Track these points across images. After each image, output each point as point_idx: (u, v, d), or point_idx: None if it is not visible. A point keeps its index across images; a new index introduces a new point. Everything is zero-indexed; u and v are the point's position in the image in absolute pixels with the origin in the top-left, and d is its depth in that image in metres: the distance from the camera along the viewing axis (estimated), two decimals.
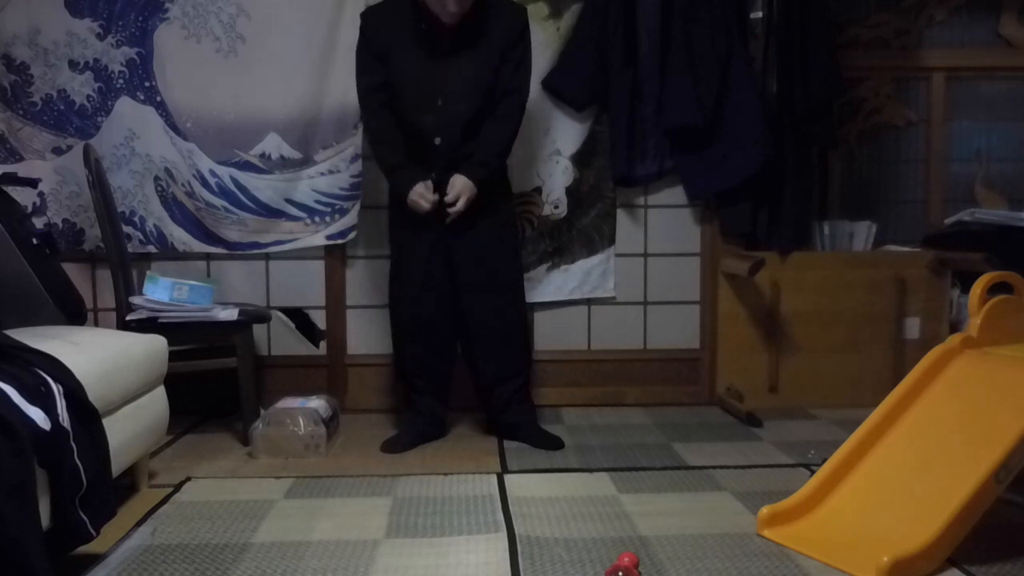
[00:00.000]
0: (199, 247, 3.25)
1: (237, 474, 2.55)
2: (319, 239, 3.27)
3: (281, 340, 3.36)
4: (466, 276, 2.75)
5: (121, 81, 3.16)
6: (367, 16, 2.77)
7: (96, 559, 1.87)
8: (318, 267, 3.35)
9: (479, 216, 2.72)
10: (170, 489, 2.37)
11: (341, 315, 3.37)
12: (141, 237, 3.20)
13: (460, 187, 2.64)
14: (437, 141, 2.67)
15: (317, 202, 3.25)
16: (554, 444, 2.79)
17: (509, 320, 2.83)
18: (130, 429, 2.13)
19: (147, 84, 3.16)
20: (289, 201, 3.24)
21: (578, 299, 3.41)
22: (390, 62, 2.68)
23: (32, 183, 2.91)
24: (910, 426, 2.07)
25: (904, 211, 3.72)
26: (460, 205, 2.64)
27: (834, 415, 3.17)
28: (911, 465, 1.98)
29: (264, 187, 3.21)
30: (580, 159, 3.35)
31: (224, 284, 3.21)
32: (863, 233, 3.48)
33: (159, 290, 2.80)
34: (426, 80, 2.65)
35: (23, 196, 3.00)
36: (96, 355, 2.02)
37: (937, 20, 3.65)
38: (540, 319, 3.41)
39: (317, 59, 3.17)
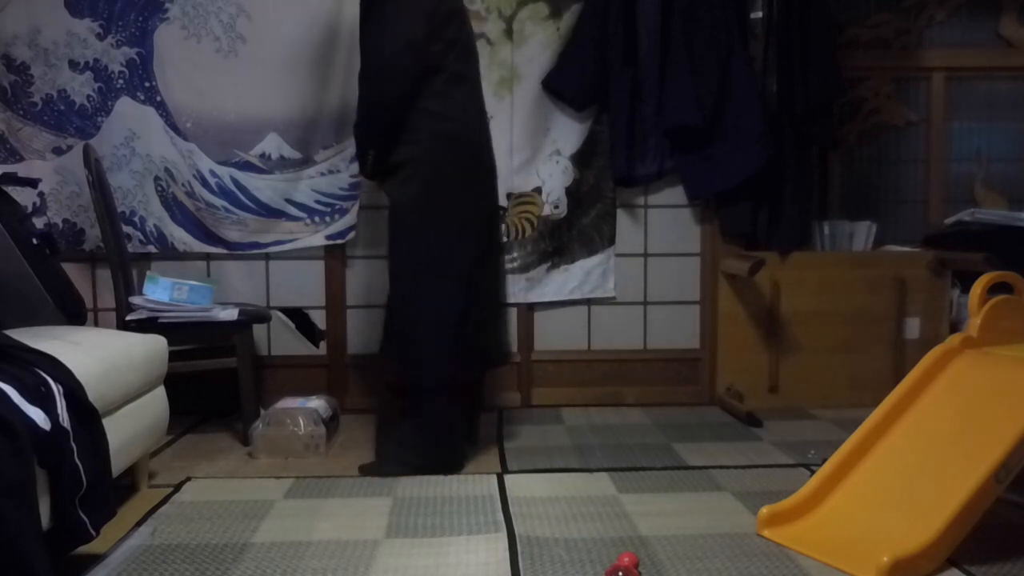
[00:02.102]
0: (199, 247, 3.25)
1: (237, 474, 2.55)
2: (319, 239, 3.27)
3: (281, 340, 3.36)
4: None
5: (121, 81, 3.16)
6: None
7: (96, 559, 1.86)
8: (318, 267, 3.35)
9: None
10: (170, 489, 2.37)
11: (341, 315, 3.37)
12: (141, 237, 3.20)
13: None
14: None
15: (317, 202, 3.25)
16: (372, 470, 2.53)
17: (397, 318, 2.57)
18: (130, 429, 2.13)
19: (147, 84, 3.16)
20: (289, 201, 3.24)
21: (578, 299, 3.41)
22: None
23: (32, 183, 2.92)
24: (910, 426, 2.07)
25: (904, 211, 3.72)
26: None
27: (834, 415, 3.17)
28: (911, 465, 1.98)
29: (264, 187, 3.21)
30: (580, 159, 3.35)
31: (224, 284, 3.21)
32: (863, 233, 3.48)
33: (159, 290, 2.81)
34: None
35: (23, 196, 3.01)
36: (96, 355, 2.02)
37: (937, 20, 3.65)
38: (540, 319, 3.41)
39: (317, 59, 3.17)
